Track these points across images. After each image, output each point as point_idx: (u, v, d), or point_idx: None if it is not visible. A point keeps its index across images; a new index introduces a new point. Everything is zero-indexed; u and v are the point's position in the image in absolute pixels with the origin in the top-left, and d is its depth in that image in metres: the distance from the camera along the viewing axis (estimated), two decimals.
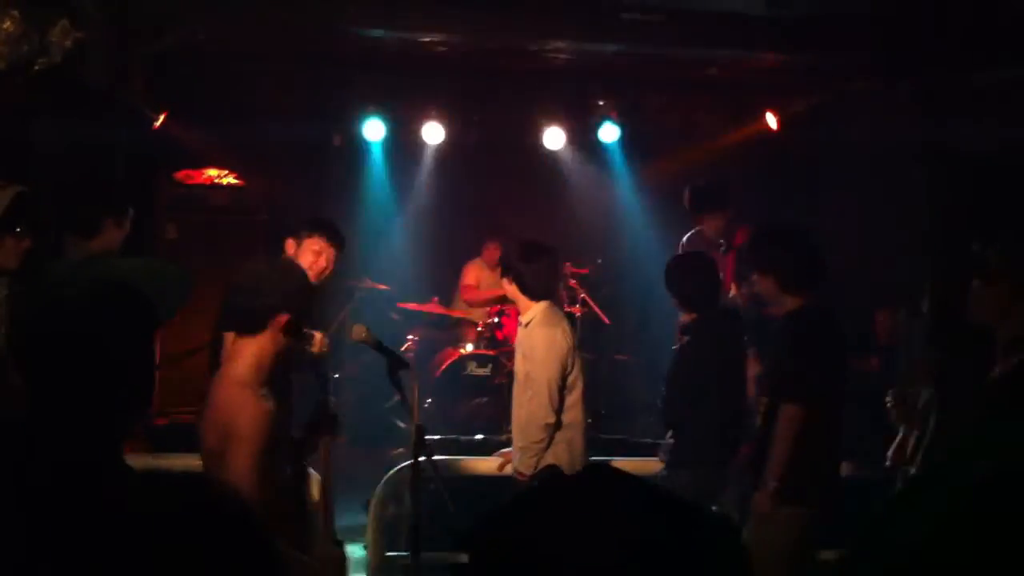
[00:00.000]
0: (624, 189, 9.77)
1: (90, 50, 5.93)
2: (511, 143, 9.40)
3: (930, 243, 7.10)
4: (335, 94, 8.83)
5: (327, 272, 5.01)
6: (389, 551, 5.70)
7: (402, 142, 9.35)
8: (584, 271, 8.55)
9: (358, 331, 3.93)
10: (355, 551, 5.53)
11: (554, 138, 9.28)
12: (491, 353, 8.38)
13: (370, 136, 9.08)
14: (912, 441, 4.38)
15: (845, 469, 4.76)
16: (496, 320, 8.51)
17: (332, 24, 7.12)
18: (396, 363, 3.81)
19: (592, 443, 5.45)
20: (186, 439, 3.62)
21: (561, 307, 5.88)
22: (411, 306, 9.00)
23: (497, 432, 7.24)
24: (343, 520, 4.49)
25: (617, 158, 9.59)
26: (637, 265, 8.62)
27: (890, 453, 4.56)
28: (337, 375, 8.03)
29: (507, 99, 9.03)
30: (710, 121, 9.30)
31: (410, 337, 8.77)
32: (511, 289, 5.05)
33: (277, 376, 3.29)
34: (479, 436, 7.47)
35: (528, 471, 4.88)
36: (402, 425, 7.94)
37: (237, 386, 3.08)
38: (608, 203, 9.81)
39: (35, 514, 1.66)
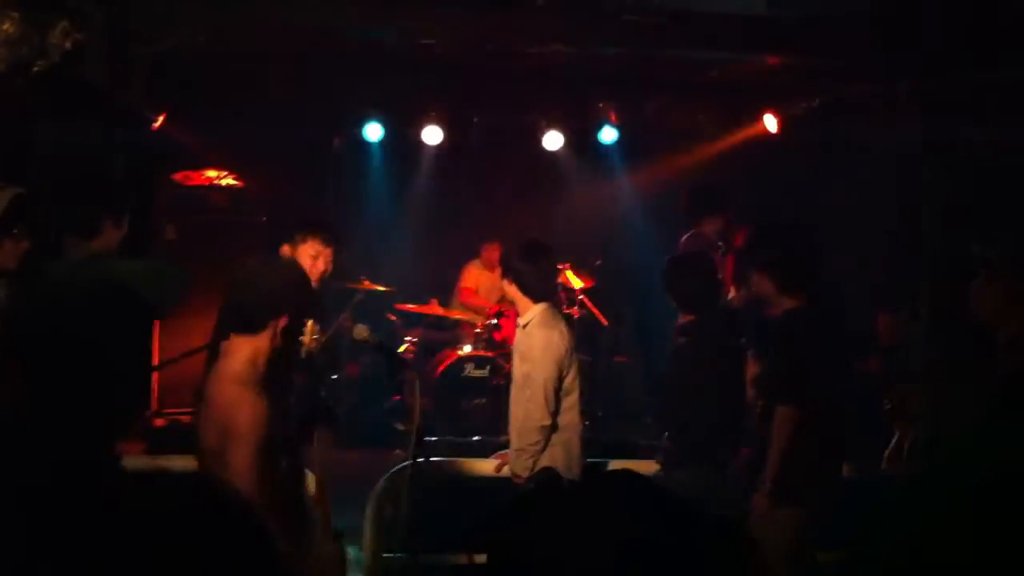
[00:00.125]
0: (623, 191, 9.77)
1: (90, 51, 5.93)
2: (510, 145, 9.40)
3: (930, 243, 7.10)
4: (334, 95, 8.82)
5: (326, 273, 5.00)
6: (386, 552, 5.69)
7: (401, 143, 9.35)
8: (589, 283, 8.42)
9: (361, 331, 3.93)
10: (352, 552, 5.51)
11: (553, 140, 9.27)
12: (489, 355, 8.38)
13: (369, 137, 9.09)
14: (911, 442, 4.38)
15: (845, 469, 4.75)
16: (494, 322, 8.51)
17: (332, 25, 7.11)
18: (397, 364, 3.81)
19: (589, 445, 5.43)
20: (185, 439, 3.61)
21: (560, 309, 5.86)
22: (410, 307, 9.01)
23: (495, 433, 7.24)
24: (341, 521, 4.48)
25: (616, 160, 9.59)
26: (636, 267, 8.61)
27: (887, 454, 4.56)
28: (336, 376, 8.02)
29: (506, 101, 9.01)
30: (710, 122, 9.29)
31: (408, 338, 8.78)
32: (511, 290, 5.02)
33: (277, 374, 3.29)
34: (476, 437, 7.46)
35: (524, 473, 4.86)
36: (400, 427, 7.94)
37: (234, 384, 3.08)
38: (607, 205, 9.80)
39: (34, 514, 1.66)
